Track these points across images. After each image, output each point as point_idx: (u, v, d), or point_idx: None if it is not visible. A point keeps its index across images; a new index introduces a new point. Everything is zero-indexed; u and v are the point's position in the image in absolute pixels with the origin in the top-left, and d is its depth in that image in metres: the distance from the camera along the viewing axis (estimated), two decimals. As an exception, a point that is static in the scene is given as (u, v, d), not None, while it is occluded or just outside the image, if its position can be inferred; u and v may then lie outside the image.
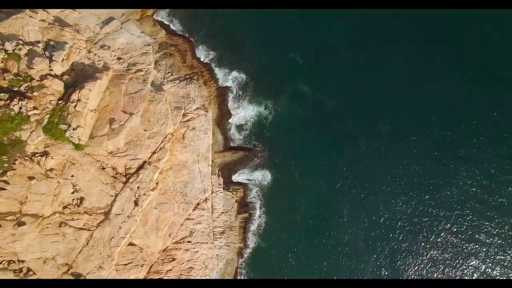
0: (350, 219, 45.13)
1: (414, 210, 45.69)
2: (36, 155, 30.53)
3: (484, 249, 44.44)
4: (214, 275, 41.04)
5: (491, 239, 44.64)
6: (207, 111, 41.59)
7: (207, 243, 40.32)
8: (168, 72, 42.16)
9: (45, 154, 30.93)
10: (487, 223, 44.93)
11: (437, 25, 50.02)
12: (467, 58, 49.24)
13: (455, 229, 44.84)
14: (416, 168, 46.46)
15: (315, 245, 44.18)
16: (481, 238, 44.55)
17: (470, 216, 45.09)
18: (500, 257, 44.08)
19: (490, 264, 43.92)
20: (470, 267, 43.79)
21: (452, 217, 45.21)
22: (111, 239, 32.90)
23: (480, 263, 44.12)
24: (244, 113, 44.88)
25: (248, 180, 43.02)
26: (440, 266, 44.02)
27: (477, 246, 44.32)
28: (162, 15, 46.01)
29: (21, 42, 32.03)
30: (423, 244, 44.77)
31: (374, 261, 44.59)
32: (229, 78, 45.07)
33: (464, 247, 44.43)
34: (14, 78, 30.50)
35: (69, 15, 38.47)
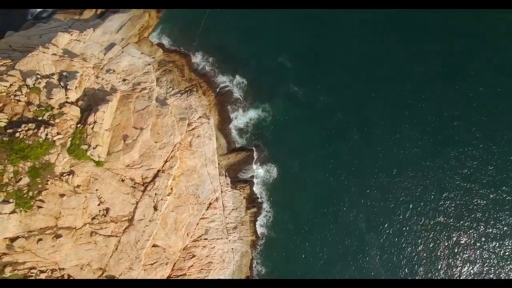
0: (351, 204, 48.96)
1: (409, 190, 49.58)
2: (64, 175, 34.38)
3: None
4: (231, 268, 44.82)
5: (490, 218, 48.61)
6: (209, 119, 45.45)
7: (222, 238, 44.16)
8: (170, 87, 46.10)
9: (71, 173, 34.78)
10: (482, 201, 48.80)
11: (418, 22, 53.50)
12: (451, 52, 53.12)
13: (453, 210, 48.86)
14: (408, 152, 50.39)
15: (320, 232, 47.94)
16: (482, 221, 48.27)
17: (468, 198, 48.95)
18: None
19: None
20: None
21: (450, 199, 49.12)
22: (137, 243, 36.75)
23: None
24: (243, 117, 48.79)
25: (253, 177, 46.90)
26: (445, 255, 47.60)
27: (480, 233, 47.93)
28: (156, 35, 49.88)
29: (39, 76, 35.86)
30: (421, 227, 48.76)
31: (376, 242, 48.38)
32: (226, 86, 48.96)
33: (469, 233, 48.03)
34: (38, 109, 34.31)
35: (75, 46, 42.37)
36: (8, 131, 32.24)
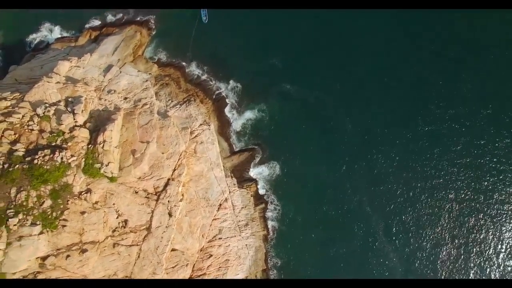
0: (354, 190, 51.44)
1: (405, 171, 52.13)
2: (82, 193, 36.79)
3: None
4: (247, 263, 47.26)
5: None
6: (209, 125, 47.88)
7: (235, 236, 46.60)
8: (169, 100, 48.56)
9: (88, 191, 37.19)
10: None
11: (402, 17, 55.75)
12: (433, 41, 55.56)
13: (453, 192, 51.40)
14: (399, 134, 52.95)
15: (327, 219, 50.43)
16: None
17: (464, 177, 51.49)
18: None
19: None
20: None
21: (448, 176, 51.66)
22: (157, 249, 39.19)
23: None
24: (240, 119, 51.26)
25: (258, 175, 49.36)
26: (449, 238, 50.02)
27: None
28: (150, 51, 52.22)
29: (47, 104, 38.28)
30: (420, 209, 51.37)
31: (382, 224, 50.87)
32: (221, 92, 51.39)
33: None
34: (50, 135, 36.72)
35: (76, 72, 44.81)
36: (27, 159, 34.65)
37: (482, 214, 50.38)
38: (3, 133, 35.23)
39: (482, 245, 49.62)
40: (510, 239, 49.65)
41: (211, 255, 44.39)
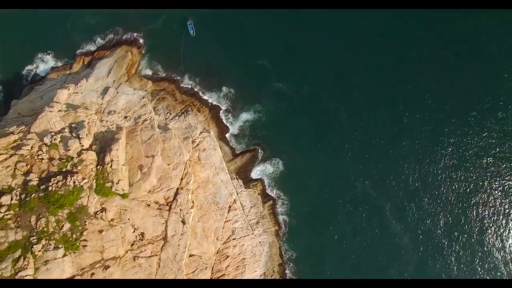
0: (356, 175, 53.33)
1: (401, 153, 53.95)
2: (98, 213, 38.44)
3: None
4: (263, 259, 48.99)
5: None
6: (209, 132, 49.53)
7: (248, 235, 48.31)
8: (167, 113, 50.20)
9: (103, 210, 38.84)
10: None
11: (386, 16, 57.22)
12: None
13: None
14: (393, 118, 54.69)
15: (334, 206, 52.33)
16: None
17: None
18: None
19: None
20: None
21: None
22: (175, 256, 40.86)
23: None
24: (238, 122, 52.94)
25: (262, 173, 51.07)
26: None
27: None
28: (143, 69, 53.67)
29: (52, 133, 39.93)
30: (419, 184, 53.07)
31: (388, 204, 52.76)
32: (216, 99, 53.01)
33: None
34: (60, 162, 38.37)
35: (75, 98, 46.43)
36: (41, 187, 36.30)
37: (489, 196, 52.72)
38: (15, 165, 36.86)
39: (495, 229, 51.77)
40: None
41: (228, 256, 46.09)
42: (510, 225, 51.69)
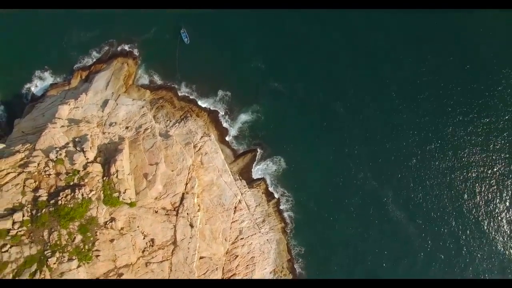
0: (357, 167, 54.38)
1: (398, 142, 55.28)
2: (107, 223, 39.36)
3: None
4: (272, 256, 49.98)
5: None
6: (209, 136, 50.46)
7: (255, 234, 49.27)
8: (167, 120, 51.16)
9: (112, 219, 39.79)
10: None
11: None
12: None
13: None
14: (388, 109, 55.83)
15: (337, 199, 53.60)
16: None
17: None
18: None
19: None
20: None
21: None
22: (186, 259, 41.82)
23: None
24: (237, 124, 53.93)
25: (264, 172, 52.08)
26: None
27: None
28: (140, 79, 54.57)
29: (57, 149, 40.83)
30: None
31: (390, 194, 53.93)
32: (214, 103, 53.94)
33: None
34: (67, 176, 39.33)
35: (76, 113, 47.36)
36: (51, 202, 37.25)
37: (490, 180, 54.09)
38: (24, 183, 37.81)
39: (498, 211, 53.22)
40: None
41: (237, 256, 47.06)
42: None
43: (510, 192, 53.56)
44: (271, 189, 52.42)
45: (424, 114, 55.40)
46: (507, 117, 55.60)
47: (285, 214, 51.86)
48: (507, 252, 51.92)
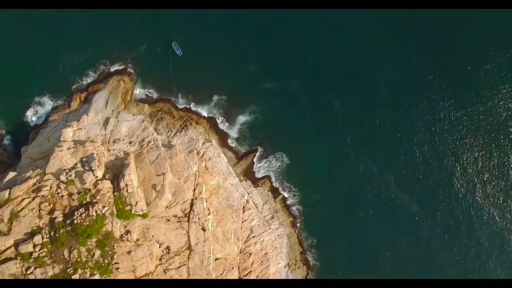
0: (357, 156, 55.90)
1: (395, 127, 56.59)
2: (123, 236, 40.87)
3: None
4: (284, 250, 51.51)
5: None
6: (211, 141, 51.98)
7: (266, 231, 50.80)
8: (168, 131, 52.70)
9: (127, 232, 41.30)
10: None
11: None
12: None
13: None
14: (382, 99, 57.28)
15: (341, 188, 55.01)
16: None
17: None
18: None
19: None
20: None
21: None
22: (202, 262, 43.34)
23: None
24: (236, 126, 55.38)
25: (268, 170, 53.63)
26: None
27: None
28: (137, 94, 56.04)
29: (67, 170, 42.36)
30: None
31: (392, 178, 55.60)
32: (211, 109, 55.40)
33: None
34: (79, 195, 40.87)
35: (80, 134, 48.79)
36: (67, 222, 38.78)
37: (490, 161, 55.56)
38: (39, 207, 39.35)
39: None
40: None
41: (251, 253, 48.58)
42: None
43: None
44: (276, 185, 53.78)
45: (419, 102, 56.89)
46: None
47: (293, 208, 53.37)
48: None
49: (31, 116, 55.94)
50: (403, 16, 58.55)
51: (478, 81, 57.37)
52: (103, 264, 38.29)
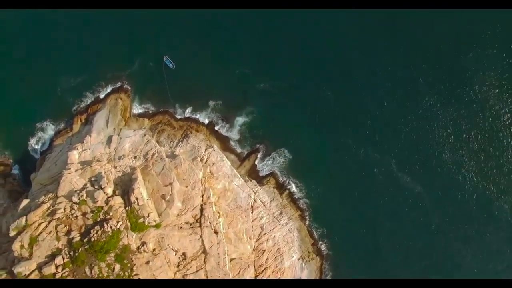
0: (357, 144, 57.22)
1: (391, 116, 58.07)
2: (140, 247, 42.34)
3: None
4: (296, 244, 52.89)
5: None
6: (212, 147, 53.36)
7: (276, 227, 52.20)
8: (170, 142, 54.10)
9: (143, 243, 42.75)
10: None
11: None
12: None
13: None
14: (377, 87, 58.82)
15: (346, 177, 56.54)
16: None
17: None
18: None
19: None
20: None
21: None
22: (218, 264, 44.76)
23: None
24: (235, 128, 56.68)
25: (272, 167, 54.97)
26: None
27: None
28: (135, 110, 57.35)
29: (78, 191, 43.82)
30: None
31: (393, 161, 56.98)
32: (209, 116, 56.75)
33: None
34: (92, 214, 42.30)
35: (85, 154, 50.15)
36: (85, 240, 40.19)
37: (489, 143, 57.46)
38: (56, 229, 40.80)
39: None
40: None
41: (264, 250, 49.99)
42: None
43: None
44: (281, 180, 55.11)
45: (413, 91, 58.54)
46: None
47: (300, 202, 54.75)
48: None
49: (35, 143, 57.08)
50: (397, 16, 59.70)
51: (466, 67, 58.86)
52: (124, 277, 39.70)
